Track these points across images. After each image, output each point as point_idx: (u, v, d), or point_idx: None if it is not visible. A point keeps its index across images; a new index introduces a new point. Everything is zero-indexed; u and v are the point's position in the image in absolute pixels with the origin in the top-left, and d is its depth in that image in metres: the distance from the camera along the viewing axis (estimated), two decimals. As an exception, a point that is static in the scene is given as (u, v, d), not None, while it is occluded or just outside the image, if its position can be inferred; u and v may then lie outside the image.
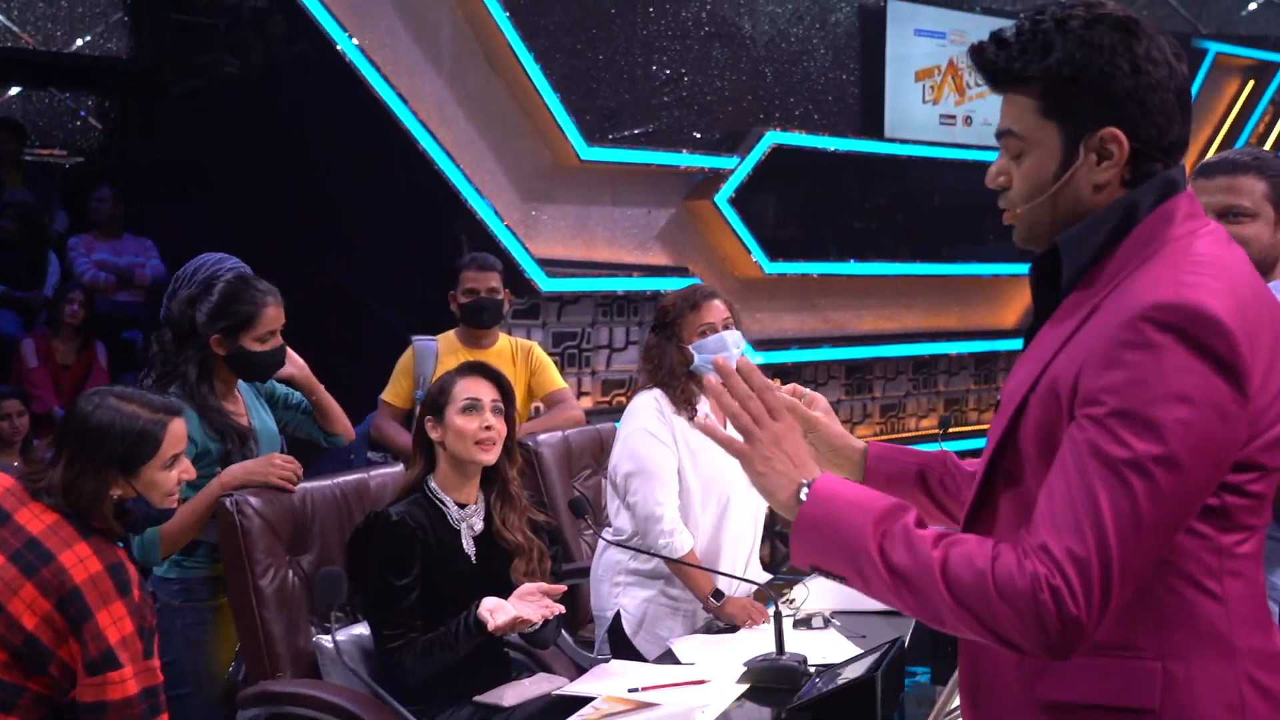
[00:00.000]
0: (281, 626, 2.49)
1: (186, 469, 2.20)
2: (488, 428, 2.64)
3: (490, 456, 2.66)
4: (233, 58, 7.68)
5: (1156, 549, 1.30)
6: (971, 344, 7.45)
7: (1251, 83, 8.92)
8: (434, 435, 2.67)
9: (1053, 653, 1.28)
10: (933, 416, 7.43)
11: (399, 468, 3.04)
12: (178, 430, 2.16)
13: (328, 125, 6.51)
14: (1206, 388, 1.28)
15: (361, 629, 2.61)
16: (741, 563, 3.18)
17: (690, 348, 3.09)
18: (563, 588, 2.53)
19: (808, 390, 1.76)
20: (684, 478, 3.08)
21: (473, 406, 2.66)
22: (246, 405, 2.98)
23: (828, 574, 1.42)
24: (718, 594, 2.99)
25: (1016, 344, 7.67)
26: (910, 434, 7.29)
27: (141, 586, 2.11)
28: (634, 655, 2.98)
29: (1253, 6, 10.07)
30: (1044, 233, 1.44)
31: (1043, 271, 1.46)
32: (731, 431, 1.52)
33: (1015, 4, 8.40)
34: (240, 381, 2.98)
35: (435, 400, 2.68)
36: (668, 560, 3.00)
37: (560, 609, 2.47)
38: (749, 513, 3.21)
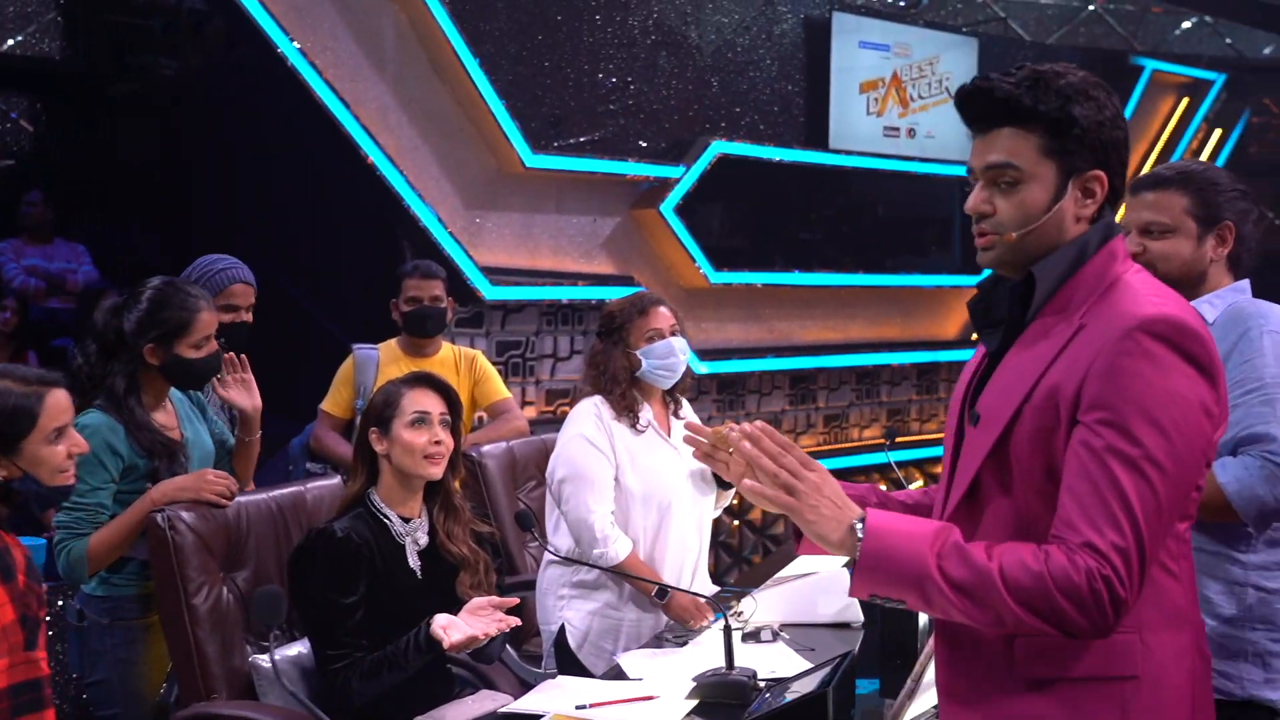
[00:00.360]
0: (216, 646, 2.41)
1: (76, 442, 2.10)
2: (437, 442, 2.58)
3: (438, 471, 2.59)
4: (169, 60, 7.53)
5: (1167, 532, 1.52)
6: (914, 355, 7.48)
7: (1186, 100, 9.08)
8: (379, 448, 2.60)
9: (1103, 633, 1.48)
10: (875, 426, 7.45)
11: (336, 480, 2.96)
12: (57, 401, 2.06)
13: (268, 130, 6.40)
14: (1194, 389, 1.50)
15: (299, 648, 2.53)
16: (688, 571, 3.16)
17: (637, 353, 3.07)
18: (514, 600, 2.48)
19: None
20: (622, 484, 3.07)
21: (421, 420, 2.59)
22: (179, 417, 2.88)
23: (885, 600, 1.53)
24: (661, 592, 2.99)
25: (957, 355, 7.77)
26: (854, 444, 7.30)
27: (31, 573, 2.00)
28: (580, 670, 2.94)
29: (1186, 25, 10.25)
30: (1021, 258, 1.61)
31: (1013, 295, 1.62)
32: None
33: (956, 19, 8.49)
34: (173, 392, 2.89)
35: (381, 412, 2.61)
36: (612, 566, 2.98)
37: (516, 621, 2.43)
38: (693, 521, 3.18)
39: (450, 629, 2.37)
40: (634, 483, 3.08)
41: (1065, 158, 1.58)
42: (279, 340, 6.41)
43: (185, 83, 7.28)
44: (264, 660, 2.43)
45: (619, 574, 2.99)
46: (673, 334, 3.10)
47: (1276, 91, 10.07)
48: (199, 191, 6.99)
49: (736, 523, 6.73)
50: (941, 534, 1.51)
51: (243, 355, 3.05)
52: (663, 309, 3.13)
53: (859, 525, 1.52)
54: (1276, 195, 10.24)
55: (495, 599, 2.46)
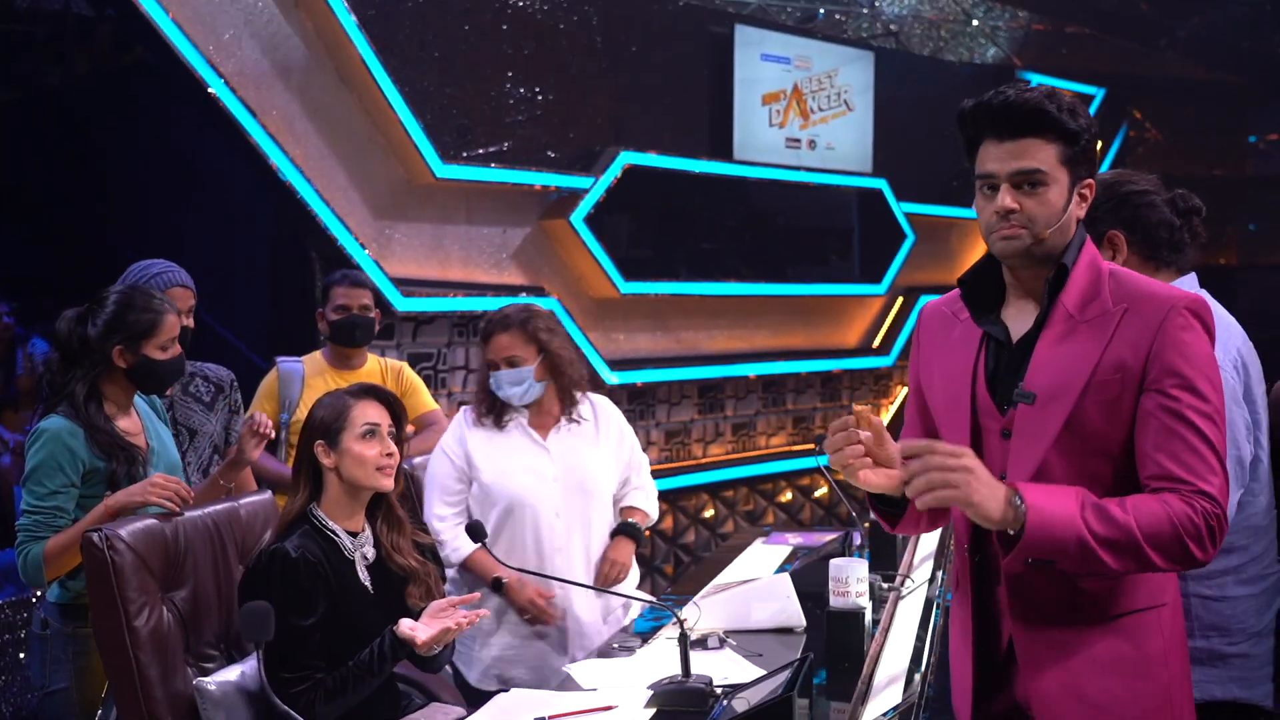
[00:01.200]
0: (158, 669, 2.31)
1: None
2: (389, 454, 2.55)
3: (390, 483, 2.56)
4: (53, 68, 7.26)
5: None
6: (817, 363, 7.59)
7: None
8: (326, 462, 2.54)
9: (1210, 561, 1.78)
10: (782, 434, 7.54)
11: (267, 495, 2.89)
12: None
13: (163, 139, 6.23)
14: (1213, 356, 1.84)
15: (241, 669, 2.45)
16: (581, 574, 3.22)
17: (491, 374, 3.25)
18: (476, 595, 2.48)
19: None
20: (480, 485, 3.21)
21: (372, 432, 2.55)
22: (144, 424, 2.87)
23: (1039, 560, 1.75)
24: (496, 583, 3.14)
25: (859, 363, 7.90)
26: (761, 451, 7.38)
27: None
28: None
29: (1067, 42, 10.62)
30: (1041, 253, 1.85)
31: (1050, 287, 1.87)
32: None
33: (855, 32, 8.66)
34: (139, 401, 2.90)
35: (329, 425, 2.55)
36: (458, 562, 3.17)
37: (485, 612, 2.43)
38: (567, 524, 3.23)
39: (418, 630, 2.35)
40: (487, 483, 3.21)
41: (1074, 166, 1.84)
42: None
43: (70, 91, 7.03)
44: (209, 683, 2.35)
45: (465, 569, 3.18)
46: (509, 364, 3.19)
47: (1150, 107, 10.51)
48: (87, 203, 6.76)
49: (648, 532, 6.74)
50: (1080, 496, 1.74)
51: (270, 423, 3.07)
52: (499, 338, 3.20)
53: (1018, 501, 1.71)
54: (1151, 206, 10.70)
55: (455, 598, 2.44)
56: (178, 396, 3.35)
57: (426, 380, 5.66)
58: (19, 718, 3.88)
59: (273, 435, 3.04)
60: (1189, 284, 2.45)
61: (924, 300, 6.78)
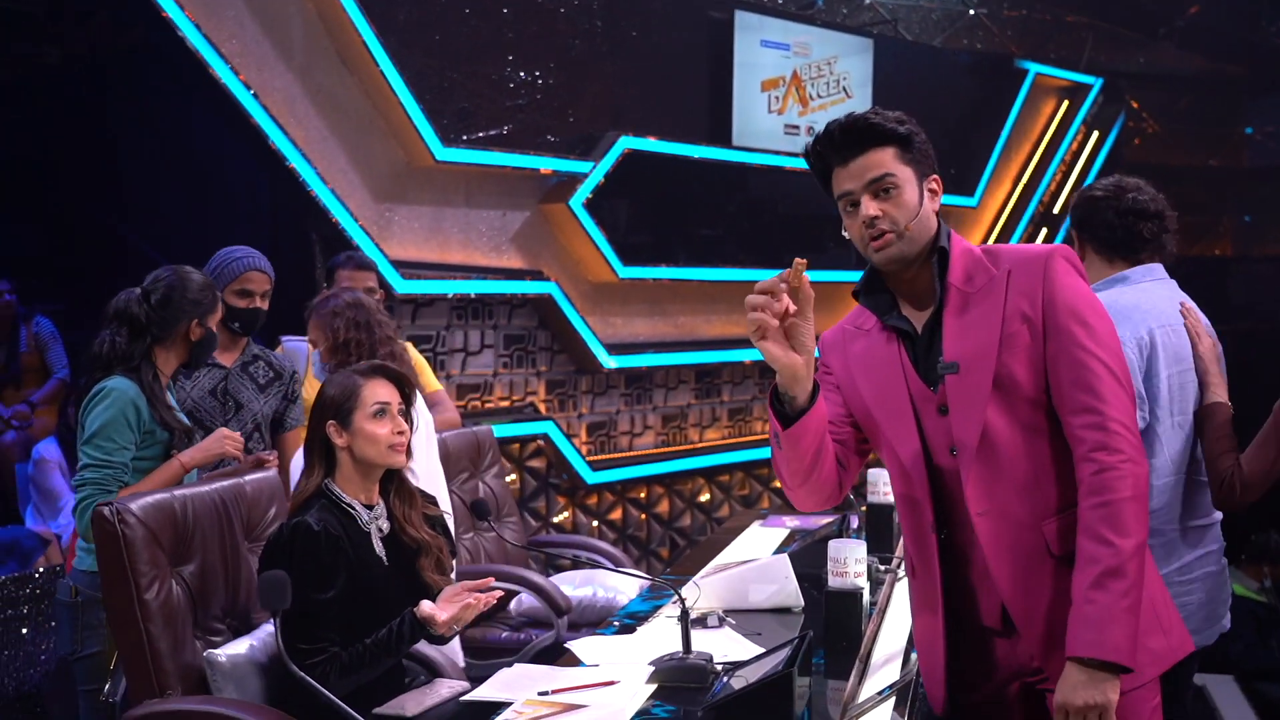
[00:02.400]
0: (168, 642, 2.35)
1: None
2: (400, 432, 2.58)
3: (403, 459, 2.60)
4: (53, 48, 7.25)
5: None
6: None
7: (1066, 103, 9.42)
8: (339, 441, 2.58)
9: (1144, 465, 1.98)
10: (777, 420, 7.56)
11: (272, 472, 2.93)
12: None
13: (164, 119, 6.23)
14: (1090, 291, 2.03)
15: (250, 641, 2.49)
16: None
17: None
18: (489, 580, 2.52)
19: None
20: None
21: (383, 411, 2.59)
22: (174, 404, 3.02)
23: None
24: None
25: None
26: (757, 436, 7.41)
27: None
28: None
29: (1065, 33, 10.63)
30: (912, 249, 2.00)
31: (939, 269, 2.02)
32: None
33: (853, 19, 8.67)
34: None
35: (340, 404, 2.58)
36: None
37: (500, 593, 2.47)
38: None
39: (437, 610, 2.39)
40: None
41: (915, 165, 2.01)
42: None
43: (70, 71, 7.02)
44: (219, 654, 2.39)
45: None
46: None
47: (1147, 97, 10.54)
48: (86, 184, 6.76)
49: (644, 515, 6.78)
50: (1093, 605, 1.88)
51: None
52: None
53: (1112, 670, 1.88)
54: (1147, 196, 10.72)
55: (468, 583, 2.47)
56: (234, 371, 3.45)
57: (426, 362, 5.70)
58: (20, 692, 3.92)
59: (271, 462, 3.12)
60: (1146, 273, 2.75)
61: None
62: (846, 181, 2.01)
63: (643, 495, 6.78)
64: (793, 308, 1.92)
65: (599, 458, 6.53)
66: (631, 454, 6.70)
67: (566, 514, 6.34)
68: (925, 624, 2.14)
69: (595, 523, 6.50)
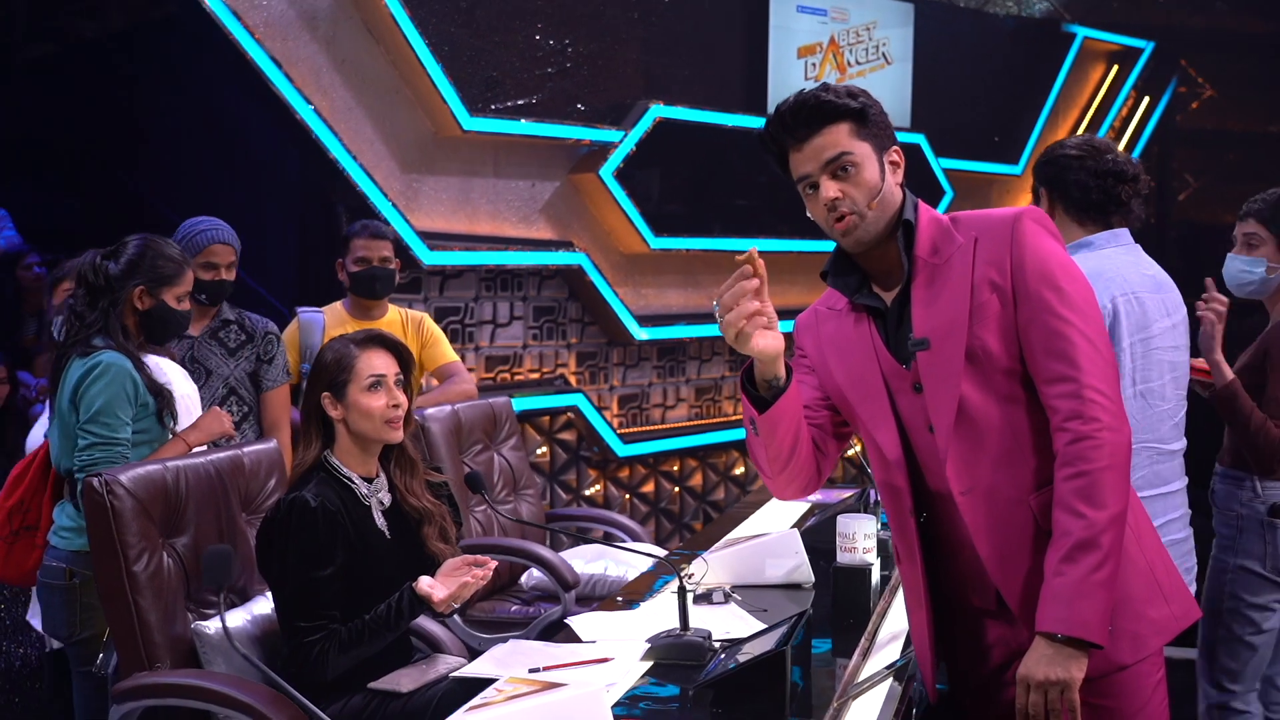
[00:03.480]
0: (158, 614, 2.33)
1: None
2: (395, 405, 2.53)
3: (399, 434, 2.55)
4: (89, 22, 7.30)
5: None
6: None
7: (1116, 68, 9.18)
8: (334, 414, 2.53)
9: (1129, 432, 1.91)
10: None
11: (272, 443, 2.89)
12: None
13: (194, 92, 6.24)
14: (1062, 250, 1.96)
15: (244, 614, 2.47)
16: None
17: None
18: (487, 558, 2.48)
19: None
20: None
21: (378, 383, 2.54)
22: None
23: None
24: None
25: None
26: (793, 410, 7.31)
27: None
28: None
29: (1117, -6, 10.37)
30: (876, 229, 1.93)
31: (905, 242, 1.95)
32: None
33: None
34: None
35: (334, 377, 2.53)
36: None
37: (494, 563, 2.45)
38: None
39: (435, 588, 2.35)
40: None
41: (873, 139, 1.93)
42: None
43: (106, 45, 7.06)
44: (208, 627, 2.37)
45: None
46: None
47: (1200, 60, 10.23)
48: (120, 156, 6.80)
49: (677, 489, 6.73)
50: (1061, 574, 1.81)
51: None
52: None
53: (1059, 638, 1.80)
54: (1202, 163, 10.44)
55: (468, 556, 2.45)
56: (201, 339, 3.44)
57: (454, 334, 5.67)
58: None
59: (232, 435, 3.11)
60: (1111, 238, 2.69)
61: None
62: (803, 164, 1.94)
63: (675, 468, 6.73)
64: (764, 295, 1.91)
65: (631, 430, 6.48)
66: (664, 426, 6.65)
67: (598, 487, 6.30)
68: (913, 612, 2.09)
69: (627, 496, 6.46)
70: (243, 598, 2.56)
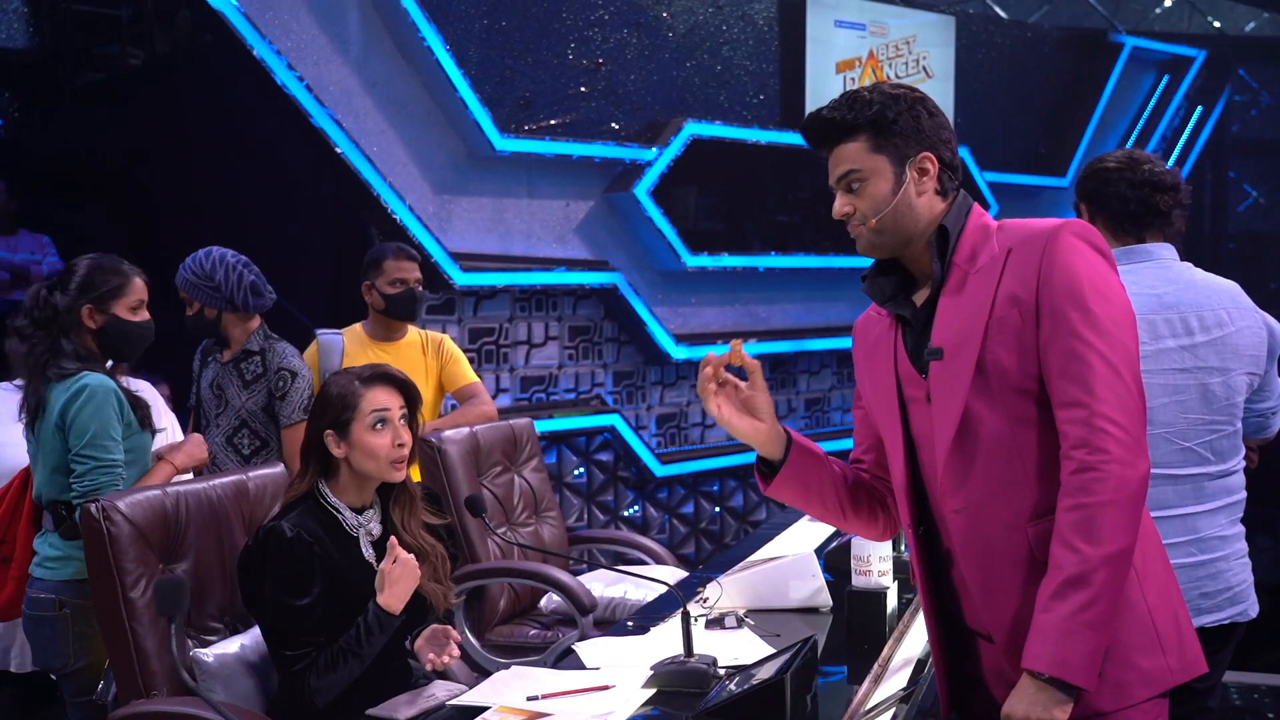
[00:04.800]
0: (155, 641, 2.31)
1: None
2: (400, 444, 2.48)
3: (402, 474, 2.50)
4: (136, 50, 7.42)
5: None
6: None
7: (1167, 77, 9.00)
8: (337, 452, 2.47)
9: (1147, 467, 1.78)
10: (858, 410, 7.37)
11: (279, 469, 2.86)
12: None
13: (233, 117, 6.30)
14: (1105, 269, 1.83)
15: (241, 641, 2.45)
16: None
17: None
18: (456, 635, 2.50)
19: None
20: None
21: (383, 420, 2.47)
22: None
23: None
24: None
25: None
26: (835, 427, 7.23)
27: None
28: None
29: (1168, 3, 10.19)
30: (886, 240, 1.89)
31: (935, 249, 1.89)
32: None
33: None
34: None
35: (338, 414, 2.47)
36: None
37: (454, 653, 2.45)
38: None
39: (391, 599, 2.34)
40: None
41: (892, 150, 1.87)
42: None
43: (151, 72, 7.17)
44: (206, 654, 2.35)
45: None
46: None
47: (1257, 68, 10.00)
48: (163, 181, 6.88)
49: (719, 509, 6.66)
50: (1050, 619, 1.71)
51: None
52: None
53: (1042, 679, 1.71)
54: (1260, 172, 10.19)
55: (450, 630, 2.49)
56: (228, 366, 3.45)
57: (488, 355, 5.67)
58: None
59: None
60: (1126, 255, 2.61)
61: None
62: (829, 174, 1.94)
63: (716, 489, 6.66)
64: (734, 381, 1.95)
65: (669, 450, 6.42)
66: (703, 446, 6.58)
67: (636, 508, 6.25)
68: (928, 626, 2.03)
69: (667, 517, 6.41)
70: (244, 624, 2.54)
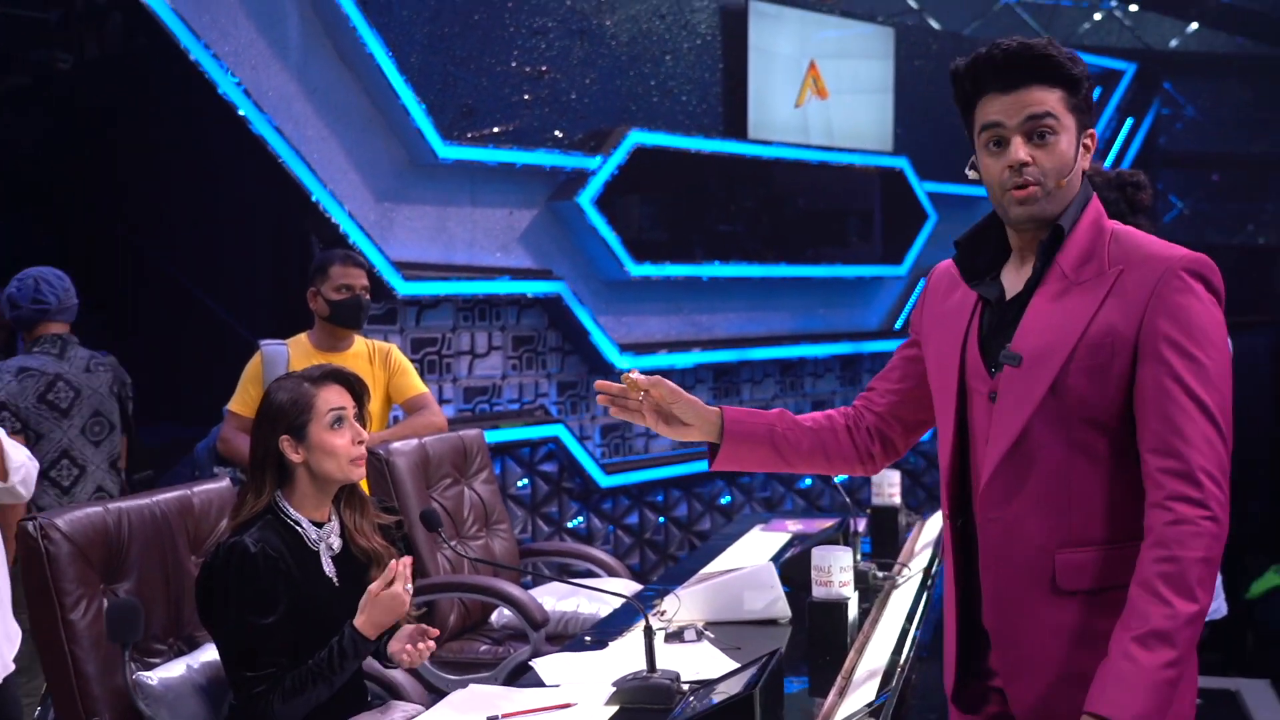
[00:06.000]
0: (96, 665, 2.21)
1: None
2: (360, 441, 2.43)
3: (362, 473, 2.45)
4: (66, 54, 7.23)
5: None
6: (837, 346, 7.43)
7: (1099, 90, 9.15)
8: (295, 458, 2.39)
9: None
10: (800, 419, 7.37)
11: (225, 483, 2.77)
12: None
13: (167, 123, 6.17)
14: (1216, 316, 1.74)
15: (186, 663, 2.36)
16: None
17: None
18: (435, 630, 2.40)
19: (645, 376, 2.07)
20: None
21: (340, 419, 2.42)
22: None
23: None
24: None
25: (880, 346, 7.72)
26: (779, 437, 7.22)
27: None
28: None
29: (1097, 17, 10.37)
30: (1054, 208, 1.78)
31: (1043, 248, 1.80)
32: None
33: (872, 6, 8.46)
34: None
35: (293, 418, 2.39)
36: None
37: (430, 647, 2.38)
38: None
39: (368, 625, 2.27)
40: None
41: (1079, 114, 1.78)
42: (182, 341, 6.21)
43: (81, 76, 6.99)
44: (151, 678, 2.26)
45: None
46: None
47: (1182, 83, 10.22)
48: (94, 188, 6.72)
49: (663, 520, 6.62)
50: (1141, 669, 1.63)
51: None
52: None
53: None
54: (1184, 185, 10.41)
55: (423, 625, 2.38)
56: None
57: (431, 365, 5.58)
58: None
59: None
60: None
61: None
62: (998, 112, 1.76)
63: (660, 499, 6.62)
64: (640, 401, 2.04)
65: (614, 460, 6.38)
66: (647, 456, 6.55)
67: (581, 519, 6.19)
68: (948, 610, 1.99)
69: (611, 527, 6.35)
70: (190, 645, 2.45)
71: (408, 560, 2.31)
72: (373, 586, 2.28)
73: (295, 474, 2.42)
